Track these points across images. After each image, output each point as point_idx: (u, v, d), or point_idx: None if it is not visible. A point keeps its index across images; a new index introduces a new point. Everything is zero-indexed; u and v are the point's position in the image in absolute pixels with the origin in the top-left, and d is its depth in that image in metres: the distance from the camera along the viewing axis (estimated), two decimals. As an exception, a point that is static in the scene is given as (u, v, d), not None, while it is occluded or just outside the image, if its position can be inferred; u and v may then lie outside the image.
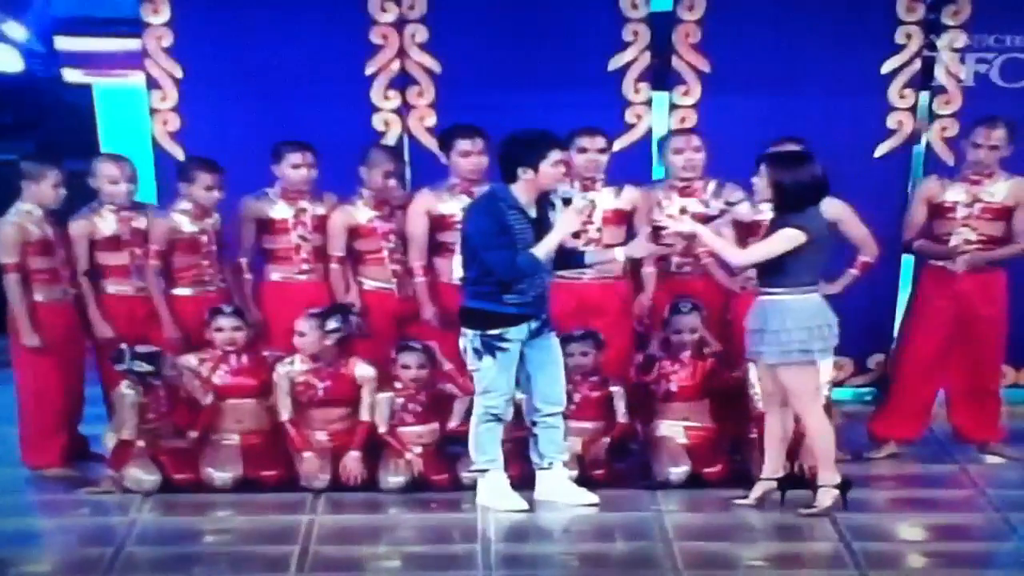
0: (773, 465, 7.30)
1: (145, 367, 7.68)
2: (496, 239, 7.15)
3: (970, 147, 8.06)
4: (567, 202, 7.23)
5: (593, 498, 7.41)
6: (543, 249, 7.15)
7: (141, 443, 7.67)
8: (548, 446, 7.44)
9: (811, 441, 7.23)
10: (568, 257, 7.48)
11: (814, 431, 7.18)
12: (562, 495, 7.40)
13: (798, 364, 7.05)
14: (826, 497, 7.17)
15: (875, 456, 8.18)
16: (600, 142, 8.03)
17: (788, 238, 6.96)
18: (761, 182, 7.08)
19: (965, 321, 8.11)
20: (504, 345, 7.22)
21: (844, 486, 7.20)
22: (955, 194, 8.07)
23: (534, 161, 7.14)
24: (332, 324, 7.76)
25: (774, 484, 7.30)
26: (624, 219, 8.15)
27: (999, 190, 8.05)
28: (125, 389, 7.66)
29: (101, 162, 8.10)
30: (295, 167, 8.10)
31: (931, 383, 8.26)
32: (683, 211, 8.06)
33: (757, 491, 7.32)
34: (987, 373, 8.27)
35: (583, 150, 8.00)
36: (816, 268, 7.10)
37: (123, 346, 7.74)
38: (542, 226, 7.21)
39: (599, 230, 8.10)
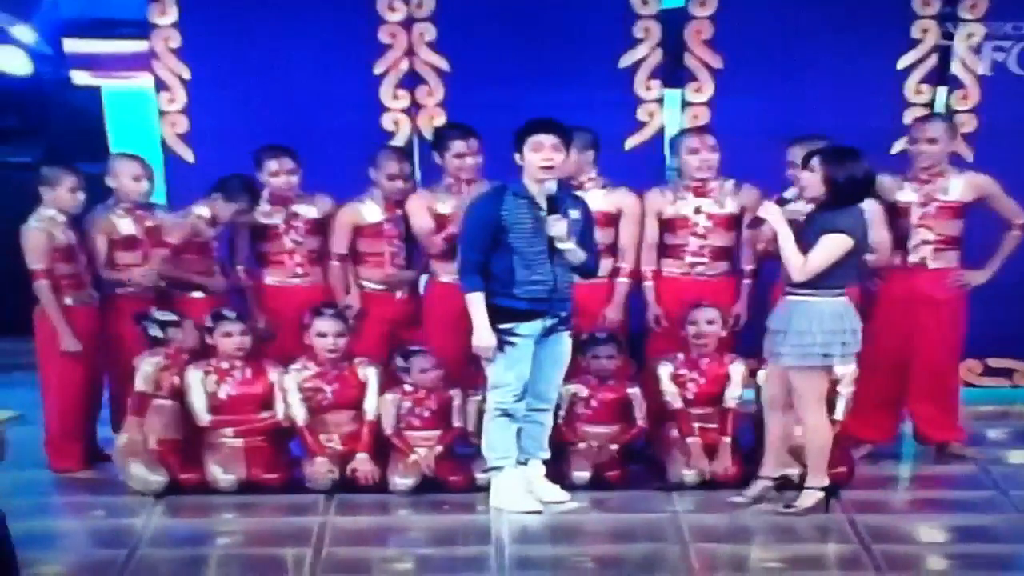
0: (773, 464, 7.28)
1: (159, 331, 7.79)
2: (471, 232, 7.20)
3: (911, 143, 8.02)
4: (551, 200, 7.11)
5: (565, 495, 7.41)
6: (475, 314, 7.16)
7: (141, 439, 7.65)
8: (530, 442, 7.41)
9: (808, 443, 7.19)
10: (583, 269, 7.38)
11: (812, 434, 7.15)
12: (536, 491, 7.37)
13: (813, 368, 7.02)
14: (809, 498, 7.15)
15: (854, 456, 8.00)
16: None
17: (840, 244, 6.94)
18: (813, 178, 6.96)
19: (924, 318, 8.03)
20: (514, 340, 7.17)
21: (830, 490, 7.18)
22: (908, 194, 7.98)
23: (519, 147, 7.11)
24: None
25: (771, 483, 7.28)
26: (612, 221, 8.06)
27: (952, 187, 7.95)
28: (147, 355, 7.74)
29: (122, 160, 8.07)
30: (273, 175, 8.07)
31: (894, 382, 8.13)
32: (697, 210, 8.04)
33: (755, 489, 7.30)
34: (945, 371, 8.19)
35: None
36: (850, 271, 7.05)
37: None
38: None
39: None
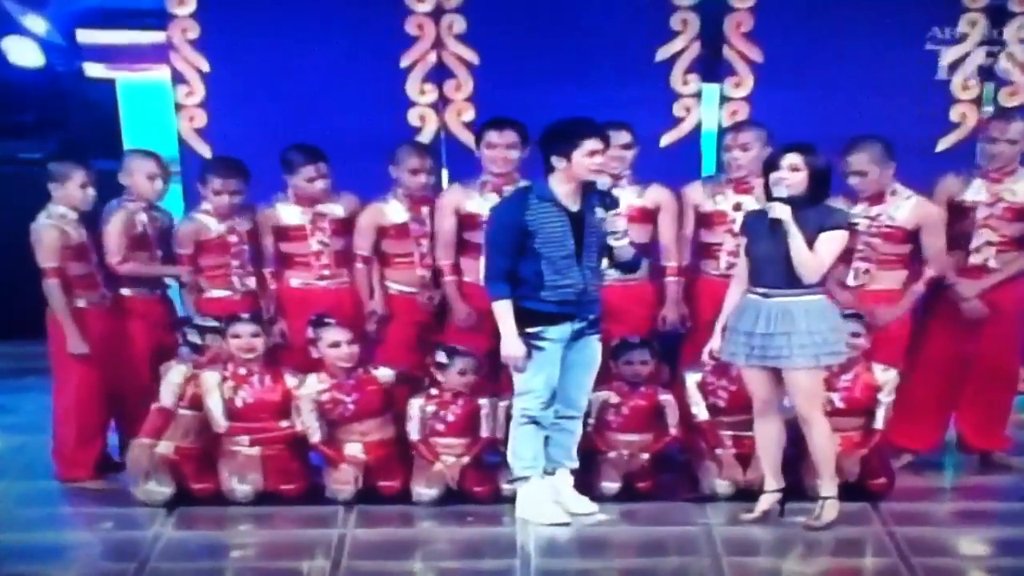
0: (774, 475, 7.16)
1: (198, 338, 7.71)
2: (496, 238, 7.07)
3: (987, 142, 7.81)
4: (605, 196, 7.00)
5: (594, 507, 7.30)
6: (503, 322, 7.03)
7: (159, 449, 7.53)
8: (558, 450, 7.29)
9: (817, 448, 7.03)
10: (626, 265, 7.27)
11: (821, 437, 7.02)
12: (564, 502, 7.25)
13: (822, 368, 6.96)
14: (831, 510, 7.03)
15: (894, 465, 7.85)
16: (625, 137, 7.75)
17: (842, 241, 6.97)
18: (796, 176, 6.84)
19: (983, 322, 7.84)
20: (542, 344, 7.05)
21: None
22: (975, 193, 7.80)
23: (567, 150, 6.94)
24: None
25: (778, 496, 7.15)
26: (649, 217, 7.93)
27: (1021, 189, 7.78)
28: (175, 364, 7.63)
29: (137, 158, 7.93)
30: (310, 180, 7.90)
31: (947, 392, 7.97)
32: (737, 206, 7.82)
33: (763, 504, 7.15)
34: (1001, 380, 8.00)
35: None
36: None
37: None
38: (582, 223, 6.99)
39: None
